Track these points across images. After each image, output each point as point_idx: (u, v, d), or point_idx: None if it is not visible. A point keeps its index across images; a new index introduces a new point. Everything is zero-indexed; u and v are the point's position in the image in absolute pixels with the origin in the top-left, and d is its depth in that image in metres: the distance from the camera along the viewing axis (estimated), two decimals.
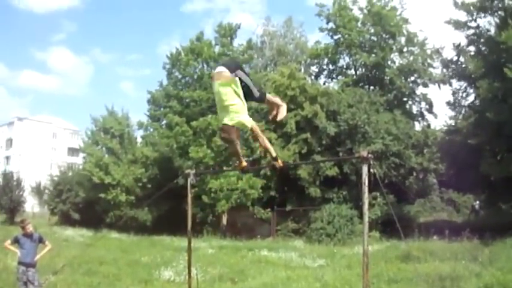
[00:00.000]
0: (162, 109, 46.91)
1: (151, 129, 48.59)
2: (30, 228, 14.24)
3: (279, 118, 8.58)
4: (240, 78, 7.74)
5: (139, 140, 53.65)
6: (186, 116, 43.76)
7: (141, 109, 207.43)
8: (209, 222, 42.95)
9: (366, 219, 7.57)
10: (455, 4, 39.25)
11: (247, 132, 36.04)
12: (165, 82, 47.63)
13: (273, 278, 19.79)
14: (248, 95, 7.92)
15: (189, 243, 11.61)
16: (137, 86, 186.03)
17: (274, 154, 8.04)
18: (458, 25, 39.79)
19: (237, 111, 7.57)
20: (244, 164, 8.88)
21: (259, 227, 42.63)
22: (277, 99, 8.56)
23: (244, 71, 8.02)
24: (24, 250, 14.06)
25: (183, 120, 43.38)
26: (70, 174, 58.71)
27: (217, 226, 43.26)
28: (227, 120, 7.57)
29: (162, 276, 20.57)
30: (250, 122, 7.67)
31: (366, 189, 7.47)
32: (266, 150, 8.12)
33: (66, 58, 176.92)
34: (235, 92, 7.59)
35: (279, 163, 8.23)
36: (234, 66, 7.84)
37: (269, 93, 8.87)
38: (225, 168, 41.34)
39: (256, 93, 8.18)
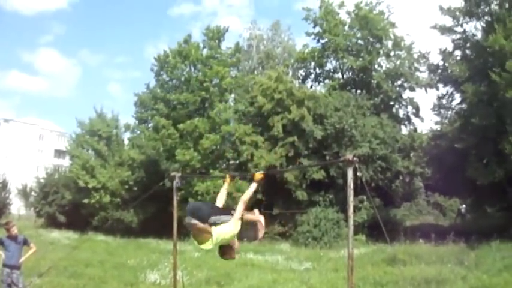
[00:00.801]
0: (149, 111, 46.74)
1: (138, 132, 48.41)
2: (14, 230, 14.19)
3: (260, 236, 8.54)
4: (214, 224, 7.55)
5: (126, 142, 53.45)
6: (173, 119, 43.66)
7: (129, 111, 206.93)
8: None
9: (351, 222, 7.59)
10: (441, 9, 39.42)
11: (234, 135, 36.12)
12: (152, 84, 47.52)
13: (259, 281, 19.80)
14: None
15: (175, 246, 11.63)
16: (125, 88, 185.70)
17: (254, 186, 8.25)
18: (445, 30, 39.96)
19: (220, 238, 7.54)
20: (230, 178, 9.55)
21: (245, 230, 42.45)
22: (252, 216, 8.42)
23: (212, 208, 7.90)
24: (8, 252, 14.01)
25: (169, 122, 43.27)
26: (56, 176, 58.40)
27: None
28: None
29: (148, 279, 20.56)
30: (232, 231, 7.65)
31: (351, 192, 7.49)
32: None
33: (54, 60, 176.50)
34: (213, 238, 7.47)
35: (260, 177, 8.44)
36: (206, 215, 7.60)
37: (234, 210, 7.99)
38: (211, 171, 41.32)
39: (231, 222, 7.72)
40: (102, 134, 50.59)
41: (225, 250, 7.80)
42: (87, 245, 33.53)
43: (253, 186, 8.31)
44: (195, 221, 7.37)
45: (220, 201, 8.48)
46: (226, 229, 7.48)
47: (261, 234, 8.45)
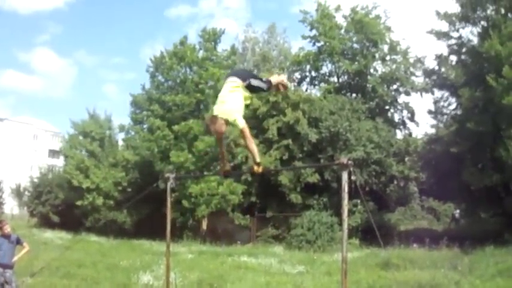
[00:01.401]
0: (144, 112, 46.63)
1: (133, 133, 48.29)
2: (7, 229, 14.10)
3: (287, 88, 9.76)
4: (252, 86, 8.29)
5: (121, 143, 53.34)
6: (167, 120, 43.57)
7: (124, 112, 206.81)
8: (189, 227, 42.79)
9: (345, 226, 7.54)
10: (438, 14, 39.50)
11: (229, 137, 35.95)
12: (147, 86, 47.43)
13: (253, 284, 19.73)
14: (257, 92, 8.87)
15: (168, 247, 11.55)
16: (121, 89, 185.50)
17: (258, 159, 8.16)
18: (440, 35, 40.05)
19: (232, 109, 7.92)
20: (228, 168, 9.15)
21: (239, 232, 42.51)
22: (277, 79, 9.23)
23: (256, 78, 8.55)
24: (1, 251, 13.91)
25: (164, 124, 43.19)
26: (50, 176, 58.25)
27: (197, 231, 43.10)
28: (217, 111, 7.93)
29: (141, 281, 20.44)
30: (242, 123, 7.95)
31: (345, 196, 7.44)
32: (251, 153, 8.25)
33: (50, 59, 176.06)
34: (241, 94, 8.13)
35: (259, 169, 8.28)
36: (246, 76, 8.39)
37: (272, 78, 9.16)
38: (205, 173, 41.24)
39: (265, 88, 8.81)
40: (95, 136, 50.46)
41: (216, 120, 8.06)
42: (80, 245, 33.42)
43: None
44: (235, 78, 8.31)
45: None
46: (240, 118, 8.00)
47: (282, 87, 9.46)
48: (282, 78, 9.35)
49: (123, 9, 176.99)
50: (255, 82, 8.44)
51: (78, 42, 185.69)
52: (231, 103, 8.04)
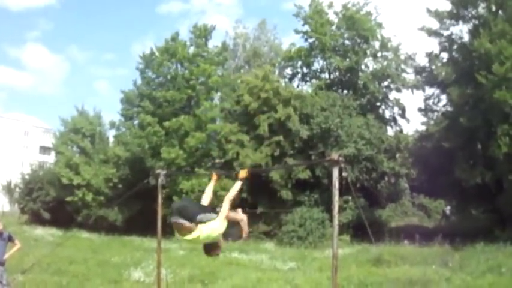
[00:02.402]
0: (135, 109, 46.54)
1: (124, 129, 48.18)
2: (0, 226, 14.02)
3: (244, 236, 8.31)
4: (201, 222, 7.28)
5: (111, 139, 53.26)
6: (158, 116, 43.53)
7: (115, 109, 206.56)
8: None
9: (336, 222, 7.51)
10: (429, 12, 39.56)
11: (219, 134, 36.07)
12: (138, 82, 47.30)
13: (244, 280, 19.71)
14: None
15: (159, 244, 11.54)
16: (112, 85, 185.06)
17: (239, 185, 7.99)
18: (431, 32, 40.11)
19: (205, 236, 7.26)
20: (217, 176, 9.15)
21: (230, 228, 42.36)
22: (236, 215, 8.23)
23: (199, 207, 7.77)
24: None
25: (155, 120, 43.15)
26: (41, 173, 58.12)
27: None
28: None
29: (132, 277, 20.47)
30: (219, 229, 7.44)
31: (336, 192, 7.41)
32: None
33: (41, 55, 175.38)
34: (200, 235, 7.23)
35: (243, 173, 8.32)
36: (192, 213, 7.31)
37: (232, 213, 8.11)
38: (196, 169, 41.20)
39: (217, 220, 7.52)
40: (85, 132, 50.37)
41: (210, 247, 7.61)
42: (71, 242, 33.36)
43: (238, 184, 8.08)
44: (182, 221, 7.08)
45: (206, 199, 8.32)
46: (214, 227, 7.29)
47: (245, 233, 8.28)
48: (243, 217, 8.36)
49: (115, 5, 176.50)
50: (202, 219, 7.33)
51: (69, 39, 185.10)
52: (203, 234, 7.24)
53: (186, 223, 7.04)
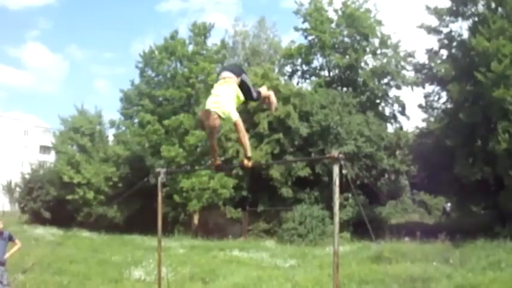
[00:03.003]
0: (134, 107, 46.50)
1: (124, 128, 48.17)
2: (0, 225, 14.00)
3: (273, 108, 9.66)
4: (244, 82, 8.33)
5: (111, 138, 53.24)
6: (158, 115, 43.48)
7: (116, 107, 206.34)
8: (180, 222, 42.76)
9: (337, 219, 7.50)
10: (428, 9, 39.60)
11: (220, 132, 35.92)
12: (137, 81, 47.25)
13: (244, 278, 19.71)
14: (247, 96, 8.51)
15: (159, 242, 11.51)
16: (112, 84, 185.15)
17: (249, 153, 8.15)
18: (431, 30, 40.14)
19: (226, 102, 7.87)
20: (219, 162, 9.28)
21: (231, 227, 42.51)
22: (266, 92, 9.33)
23: (247, 75, 8.52)
24: None
25: (155, 118, 43.11)
26: (41, 172, 58.11)
27: (188, 226, 43.05)
28: (210, 105, 7.90)
29: (133, 276, 20.45)
30: (236, 116, 7.88)
31: (336, 189, 7.40)
32: (243, 147, 8.20)
33: (41, 54, 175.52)
34: (234, 89, 8.13)
35: (249, 163, 8.32)
36: (239, 71, 8.46)
37: (261, 88, 9.31)
38: (196, 167, 41.18)
39: (255, 94, 8.73)
40: (85, 131, 50.37)
41: (208, 114, 7.88)
42: (71, 241, 33.48)
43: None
44: (229, 74, 8.27)
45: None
46: (233, 111, 7.93)
47: (274, 106, 9.64)
48: (270, 93, 9.44)
49: (114, 4, 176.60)
50: (246, 79, 8.47)
51: (69, 38, 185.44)
52: (224, 97, 7.97)
53: (233, 77, 8.24)
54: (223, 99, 7.92)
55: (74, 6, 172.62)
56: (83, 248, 30.74)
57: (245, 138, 8.08)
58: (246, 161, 8.27)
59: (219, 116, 7.80)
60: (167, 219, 39.33)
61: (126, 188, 39.28)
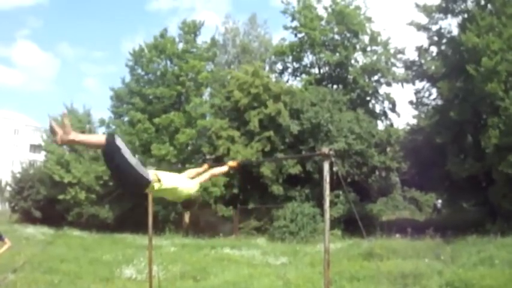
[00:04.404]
0: (124, 106, 46.42)
1: (114, 127, 48.07)
2: None
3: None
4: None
5: None
6: (148, 113, 43.43)
7: (106, 106, 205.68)
8: (171, 220, 42.68)
9: (327, 216, 7.51)
10: (417, 6, 39.78)
11: (210, 130, 35.91)
12: (127, 79, 47.15)
13: (235, 275, 19.69)
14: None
15: (150, 241, 11.52)
16: (103, 82, 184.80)
17: (225, 168, 7.96)
18: (420, 27, 40.29)
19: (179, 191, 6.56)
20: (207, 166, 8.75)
21: (222, 225, 42.47)
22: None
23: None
24: None
25: (145, 117, 43.06)
26: (32, 171, 57.93)
27: (179, 224, 43.01)
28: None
29: (124, 274, 20.40)
30: (192, 188, 6.81)
31: (327, 186, 7.42)
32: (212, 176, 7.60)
33: (32, 52, 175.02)
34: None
35: (234, 164, 8.25)
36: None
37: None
38: (187, 166, 41.13)
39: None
40: (74, 130, 50.18)
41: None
42: (62, 240, 33.36)
43: (225, 168, 8.05)
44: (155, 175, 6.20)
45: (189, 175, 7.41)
46: (187, 184, 6.67)
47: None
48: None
49: (104, 2, 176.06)
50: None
51: (59, 36, 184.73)
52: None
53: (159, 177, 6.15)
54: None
55: (64, 5, 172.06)
56: (74, 247, 30.64)
57: (215, 173, 7.73)
58: (230, 162, 8.21)
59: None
60: (158, 218, 39.29)
61: (116, 187, 39.17)
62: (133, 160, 5.68)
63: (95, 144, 6.08)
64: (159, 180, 6.10)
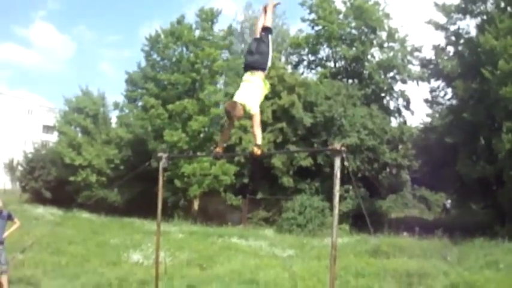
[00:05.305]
0: (139, 90, 46.47)
1: (127, 111, 48.19)
2: None
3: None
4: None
5: (114, 120, 53.21)
6: (162, 99, 43.41)
7: (121, 90, 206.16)
8: (180, 207, 42.78)
9: (336, 211, 7.51)
10: (436, 5, 39.63)
11: (223, 118, 35.97)
12: (143, 64, 47.10)
13: (242, 265, 19.74)
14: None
15: (158, 226, 11.55)
16: (118, 66, 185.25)
17: (259, 142, 8.56)
18: (438, 26, 40.13)
19: (250, 97, 8.68)
20: (220, 149, 9.61)
21: (231, 213, 42.55)
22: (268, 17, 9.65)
23: (266, 51, 9.17)
24: None
25: (159, 102, 43.03)
26: (44, 152, 58.18)
27: (188, 211, 43.09)
28: (237, 98, 8.69)
29: (131, 259, 20.53)
30: (256, 110, 8.62)
31: (337, 182, 7.43)
32: (254, 135, 8.69)
33: (49, 34, 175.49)
34: (261, 88, 8.94)
35: (258, 151, 8.60)
36: (265, 60, 9.11)
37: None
38: (198, 153, 41.17)
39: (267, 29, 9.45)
40: (88, 112, 50.43)
41: (234, 105, 8.66)
42: (71, 222, 33.59)
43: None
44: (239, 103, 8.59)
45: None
46: (255, 106, 8.64)
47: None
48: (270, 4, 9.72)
49: None
50: (270, 61, 9.21)
51: (77, 19, 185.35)
52: (250, 93, 8.73)
53: (238, 105, 8.58)
54: (249, 95, 8.68)
55: None
56: (82, 229, 30.85)
57: (259, 129, 8.58)
58: (255, 149, 8.58)
59: (243, 108, 8.51)
60: (167, 204, 39.40)
61: (127, 171, 39.30)
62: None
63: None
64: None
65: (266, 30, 9.37)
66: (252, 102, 8.59)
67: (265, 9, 9.62)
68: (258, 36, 9.33)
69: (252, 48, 9.20)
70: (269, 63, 9.17)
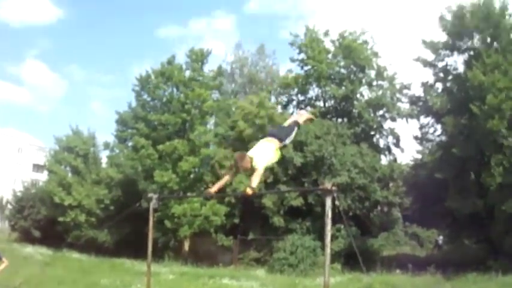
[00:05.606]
0: (129, 130, 46.47)
1: (117, 151, 48.17)
2: None
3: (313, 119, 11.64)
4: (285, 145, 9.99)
5: (105, 160, 53.20)
6: (152, 139, 43.45)
7: (111, 130, 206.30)
8: (171, 248, 42.57)
9: (328, 251, 7.49)
10: (424, 43, 39.98)
11: (213, 159, 36.07)
12: (134, 104, 47.21)
13: None
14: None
15: (149, 267, 11.47)
16: (109, 106, 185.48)
17: (254, 185, 8.98)
18: (427, 63, 40.45)
19: (261, 155, 9.22)
20: (213, 191, 10.07)
21: (221, 254, 42.31)
22: (301, 118, 10.77)
23: (288, 133, 10.09)
24: None
25: (149, 143, 43.07)
26: (33, 191, 58.00)
27: (179, 252, 42.86)
28: (252, 153, 9.25)
29: None
30: (261, 168, 9.12)
31: (328, 221, 7.43)
32: (250, 179, 9.14)
33: (41, 72, 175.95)
34: (275, 151, 9.55)
35: (250, 191, 9.04)
36: (283, 135, 9.95)
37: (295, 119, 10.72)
38: (189, 194, 41.09)
39: (296, 130, 10.34)
40: (79, 151, 50.39)
41: (245, 158, 9.24)
42: (60, 262, 33.36)
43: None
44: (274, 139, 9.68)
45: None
46: (261, 165, 9.12)
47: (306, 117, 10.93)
48: (305, 115, 11.03)
49: (115, 26, 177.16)
50: (288, 140, 10.11)
51: (68, 58, 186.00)
52: (261, 151, 9.37)
53: (247, 158, 9.18)
54: (260, 152, 9.32)
55: (74, 28, 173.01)
56: (72, 270, 30.61)
57: (257, 178, 9.03)
58: (248, 189, 9.02)
59: (251, 161, 9.10)
60: (157, 245, 39.13)
61: (117, 211, 39.21)
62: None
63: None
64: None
65: (296, 124, 10.35)
66: (260, 159, 9.08)
67: (297, 122, 10.52)
68: (286, 125, 10.47)
69: (277, 126, 10.11)
70: (287, 141, 9.98)
